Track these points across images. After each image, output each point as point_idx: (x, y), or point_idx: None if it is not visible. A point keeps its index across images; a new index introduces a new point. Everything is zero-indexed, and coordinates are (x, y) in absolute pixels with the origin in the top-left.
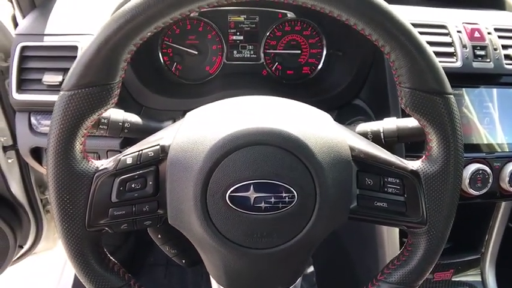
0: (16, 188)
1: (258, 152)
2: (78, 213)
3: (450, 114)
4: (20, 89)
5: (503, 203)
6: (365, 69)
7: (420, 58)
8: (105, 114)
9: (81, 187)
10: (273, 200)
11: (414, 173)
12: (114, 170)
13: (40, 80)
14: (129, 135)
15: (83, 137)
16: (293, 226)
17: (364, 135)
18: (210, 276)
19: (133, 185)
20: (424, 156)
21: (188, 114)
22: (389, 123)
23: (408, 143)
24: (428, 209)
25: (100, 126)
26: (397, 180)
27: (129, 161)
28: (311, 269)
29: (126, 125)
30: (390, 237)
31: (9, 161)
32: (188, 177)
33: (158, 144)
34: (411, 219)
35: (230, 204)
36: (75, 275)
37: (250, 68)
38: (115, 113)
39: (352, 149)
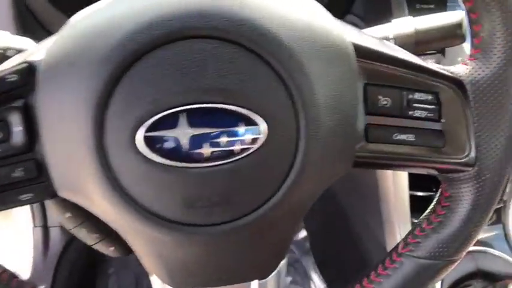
0: None
1: (190, 53)
2: None
3: None
4: None
5: None
6: None
7: None
8: None
9: None
10: (223, 139)
11: (456, 82)
12: None
13: None
14: None
15: None
16: (263, 183)
17: None
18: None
19: None
20: (468, 58)
21: (74, 16)
22: (403, 26)
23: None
24: (479, 140)
25: None
26: (430, 97)
27: None
28: (303, 233)
29: (9, 53)
30: (397, 187)
31: None
32: (71, 110)
33: (25, 62)
34: (451, 157)
35: (146, 153)
36: None
37: None
38: None
39: (357, 48)
